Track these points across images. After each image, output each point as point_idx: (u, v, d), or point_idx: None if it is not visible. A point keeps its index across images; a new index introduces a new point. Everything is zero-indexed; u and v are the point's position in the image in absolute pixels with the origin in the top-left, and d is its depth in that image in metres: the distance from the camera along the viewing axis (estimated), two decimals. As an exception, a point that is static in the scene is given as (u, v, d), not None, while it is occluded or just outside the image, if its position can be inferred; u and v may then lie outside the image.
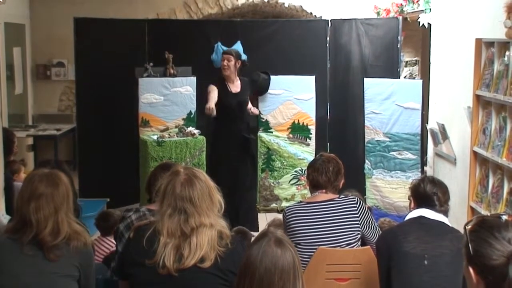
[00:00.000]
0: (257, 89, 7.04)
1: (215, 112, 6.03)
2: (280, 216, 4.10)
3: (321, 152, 4.34)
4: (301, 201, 3.93)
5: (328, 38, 7.41)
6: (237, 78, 6.47)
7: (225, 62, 6.35)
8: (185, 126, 6.67)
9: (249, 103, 6.64)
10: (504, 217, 1.74)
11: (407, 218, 3.45)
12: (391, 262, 3.19)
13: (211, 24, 7.96)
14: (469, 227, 1.76)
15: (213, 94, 6.19)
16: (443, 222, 3.33)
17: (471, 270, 1.73)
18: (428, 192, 3.43)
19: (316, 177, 3.78)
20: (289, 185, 7.36)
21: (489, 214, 2.04)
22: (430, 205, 3.40)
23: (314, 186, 3.82)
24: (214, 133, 6.55)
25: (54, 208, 2.83)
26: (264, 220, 6.74)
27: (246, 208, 6.55)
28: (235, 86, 6.42)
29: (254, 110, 6.68)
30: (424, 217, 3.32)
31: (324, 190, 3.78)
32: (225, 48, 7.09)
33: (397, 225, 3.78)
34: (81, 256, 2.86)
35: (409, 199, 3.66)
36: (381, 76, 7.07)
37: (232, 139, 6.43)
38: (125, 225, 3.45)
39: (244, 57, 6.70)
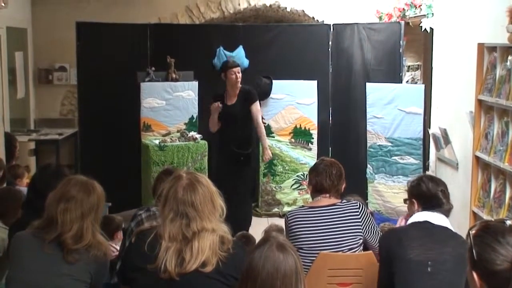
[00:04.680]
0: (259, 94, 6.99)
1: (221, 105, 6.09)
2: (278, 221, 4.06)
3: (322, 157, 4.33)
4: (303, 206, 3.92)
5: (330, 43, 7.42)
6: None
7: (238, 75, 6.18)
8: (187, 130, 6.67)
9: (267, 151, 6.46)
10: (508, 222, 1.74)
11: (411, 220, 3.38)
12: (393, 268, 3.15)
13: (213, 28, 7.95)
14: (473, 232, 1.76)
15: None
16: (447, 228, 3.29)
17: (474, 275, 1.73)
18: (432, 191, 3.38)
19: (320, 181, 3.76)
20: (291, 190, 7.35)
21: (492, 219, 2.03)
22: (437, 204, 3.35)
23: (318, 190, 3.78)
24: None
25: (81, 214, 2.89)
26: (265, 225, 6.72)
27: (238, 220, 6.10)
28: (233, 97, 6.27)
29: (265, 159, 6.56)
30: (429, 222, 3.26)
31: (327, 195, 3.76)
32: (227, 52, 7.09)
33: (401, 229, 3.67)
34: (97, 265, 2.91)
35: (405, 202, 3.59)
36: (383, 81, 7.07)
37: (225, 153, 6.32)
38: (135, 223, 3.54)
39: (246, 62, 6.68)
